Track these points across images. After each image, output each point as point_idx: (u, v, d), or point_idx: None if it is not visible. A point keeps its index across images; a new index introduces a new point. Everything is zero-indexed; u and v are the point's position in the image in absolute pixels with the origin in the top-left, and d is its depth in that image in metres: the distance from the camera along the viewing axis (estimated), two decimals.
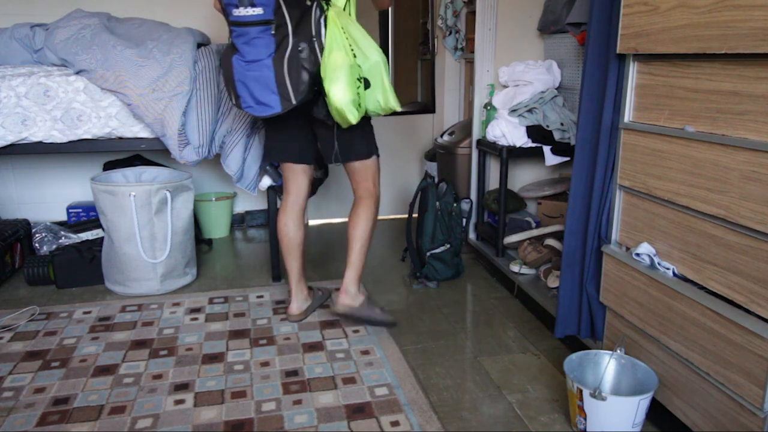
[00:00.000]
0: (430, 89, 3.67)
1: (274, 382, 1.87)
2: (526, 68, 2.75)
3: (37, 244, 2.90)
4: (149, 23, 2.76)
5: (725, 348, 1.34)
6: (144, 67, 2.41)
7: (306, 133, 2.15)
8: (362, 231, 2.17)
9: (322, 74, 1.84)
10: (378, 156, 2.22)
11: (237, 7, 1.80)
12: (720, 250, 1.35)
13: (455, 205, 2.71)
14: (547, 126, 2.65)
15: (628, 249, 1.69)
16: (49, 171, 3.28)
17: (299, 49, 1.82)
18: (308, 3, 1.84)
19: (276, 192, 2.59)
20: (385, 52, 3.50)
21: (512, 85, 2.82)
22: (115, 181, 2.65)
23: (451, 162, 3.21)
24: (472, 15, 3.19)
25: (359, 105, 1.89)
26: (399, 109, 2.01)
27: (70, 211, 3.20)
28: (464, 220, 2.78)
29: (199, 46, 2.61)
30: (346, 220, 2.28)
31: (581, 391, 1.53)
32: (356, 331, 2.20)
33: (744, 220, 1.27)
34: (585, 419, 1.54)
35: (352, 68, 1.84)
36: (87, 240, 2.83)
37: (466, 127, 3.18)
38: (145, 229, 2.47)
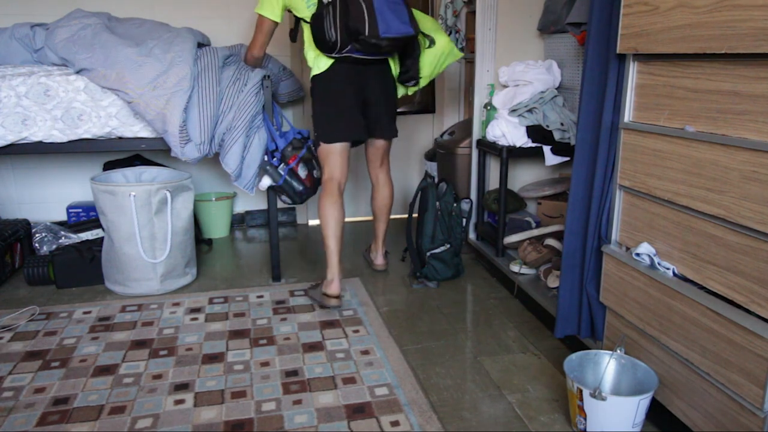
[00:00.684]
0: (431, 89, 3.67)
1: (274, 382, 1.87)
2: (526, 68, 2.75)
3: (37, 244, 2.90)
4: (149, 23, 2.77)
5: (725, 348, 1.34)
6: (144, 65, 2.41)
7: (360, 114, 2.46)
8: (390, 207, 2.75)
9: (424, 28, 2.42)
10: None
11: None
12: (720, 250, 1.35)
13: (455, 205, 2.71)
14: (547, 126, 2.65)
15: (628, 249, 1.69)
16: (49, 171, 3.28)
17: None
18: None
19: (276, 192, 2.59)
20: None
21: (512, 85, 2.82)
22: (115, 181, 2.65)
23: (451, 162, 3.21)
24: (472, 15, 3.19)
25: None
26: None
27: (70, 211, 3.20)
28: (464, 220, 2.78)
29: (199, 46, 2.61)
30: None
31: (581, 391, 1.53)
32: (356, 331, 2.20)
33: (744, 220, 1.27)
34: (585, 419, 1.54)
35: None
36: (87, 240, 2.83)
37: (466, 127, 3.18)
38: (145, 229, 2.47)
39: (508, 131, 2.68)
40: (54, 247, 2.83)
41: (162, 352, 2.06)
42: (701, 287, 1.43)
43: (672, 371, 1.53)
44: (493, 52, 2.88)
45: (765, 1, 1.16)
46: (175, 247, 2.56)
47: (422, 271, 2.70)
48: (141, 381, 1.88)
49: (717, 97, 1.33)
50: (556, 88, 2.74)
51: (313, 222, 3.69)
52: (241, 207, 3.64)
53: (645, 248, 1.59)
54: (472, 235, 3.06)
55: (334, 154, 2.43)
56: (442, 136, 3.35)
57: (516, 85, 2.78)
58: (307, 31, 2.41)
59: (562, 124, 2.64)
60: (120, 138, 2.53)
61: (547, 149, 2.68)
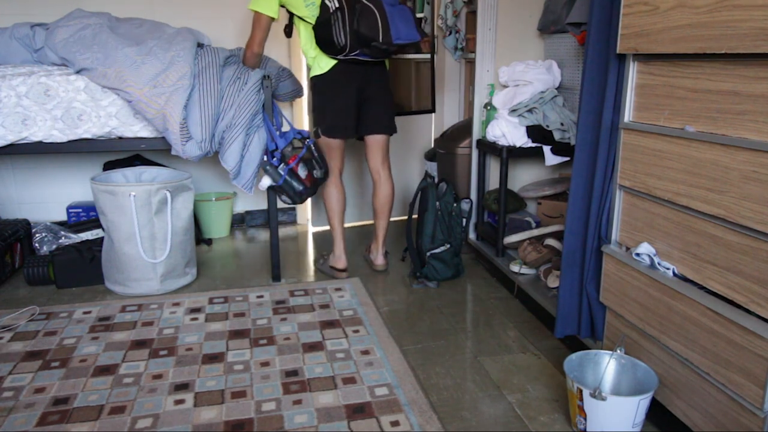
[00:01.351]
0: (431, 89, 3.67)
1: (274, 382, 1.87)
2: (526, 68, 2.75)
3: (37, 244, 2.90)
4: (149, 23, 2.76)
5: (725, 348, 1.34)
6: (144, 64, 2.41)
7: (356, 112, 2.60)
8: (391, 205, 2.82)
9: None
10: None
11: None
12: (720, 250, 1.35)
13: (455, 205, 2.71)
14: (547, 126, 2.65)
15: (628, 249, 1.69)
16: (49, 171, 3.28)
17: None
18: None
19: (276, 192, 2.59)
20: None
21: (512, 85, 2.82)
22: (115, 181, 2.65)
23: (451, 162, 3.21)
24: (472, 15, 3.19)
25: None
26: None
27: (70, 211, 3.20)
28: (464, 220, 2.78)
29: (199, 46, 2.61)
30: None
31: (581, 391, 1.53)
32: (356, 331, 2.20)
33: (744, 220, 1.27)
34: (585, 419, 1.54)
35: None
36: (87, 240, 2.83)
37: (466, 127, 3.18)
38: (145, 229, 2.47)
39: (508, 131, 2.68)
40: (54, 247, 2.83)
41: (162, 352, 2.06)
42: (701, 287, 1.43)
43: (672, 371, 1.53)
44: (493, 52, 2.89)
45: (765, 1, 1.16)
46: (175, 247, 2.56)
47: (422, 271, 2.70)
48: (141, 381, 1.88)
49: (717, 97, 1.33)
50: (556, 88, 2.74)
51: (315, 224, 3.69)
52: (241, 207, 3.64)
53: (645, 248, 1.59)
54: (472, 235, 3.06)
55: (334, 148, 2.65)
56: (442, 136, 3.35)
57: (516, 85, 2.78)
58: (305, 30, 2.45)
59: (562, 124, 2.64)
60: (120, 138, 2.53)
61: (547, 149, 2.68)
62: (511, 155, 2.69)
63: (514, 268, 2.59)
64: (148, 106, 2.40)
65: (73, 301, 2.49)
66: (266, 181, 2.54)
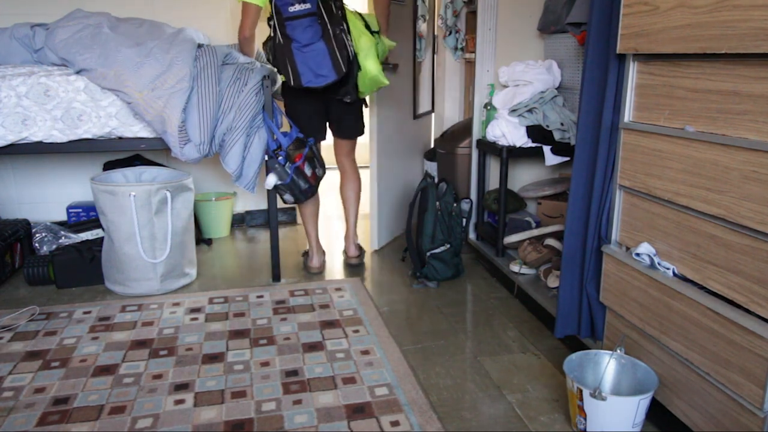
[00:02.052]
0: (431, 89, 3.67)
1: (274, 382, 1.87)
2: (526, 68, 2.75)
3: (37, 244, 2.90)
4: (149, 23, 2.76)
5: (725, 348, 1.34)
6: (144, 65, 2.41)
7: (323, 116, 2.69)
8: (357, 193, 2.90)
9: (357, 52, 2.42)
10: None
11: (292, 4, 2.29)
12: (720, 250, 1.35)
13: (455, 205, 2.71)
14: (547, 126, 2.65)
15: (628, 249, 1.69)
16: (49, 171, 3.28)
17: (338, 32, 2.31)
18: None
19: (278, 191, 2.59)
20: None
21: (512, 85, 2.82)
22: (115, 181, 2.65)
23: (451, 162, 3.21)
24: (472, 15, 3.20)
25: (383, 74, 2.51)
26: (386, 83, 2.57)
27: (70, 211, 3.20)
28: (464, 220, 2.78)
29: (199, 46, 2.61)
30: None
31: (581, 391, 1.53)
32: (356, 331, 2.21)
33: (744, 220, 1.27)
34: (585, 419, 1.54)
35: (376, 47, 2.49)
36: (87, 240, 2.83)
37: (466, 127, 3.18)
38: (145, 229, 2.47)
39: (508, 131, 2.68)
40: (54, 247, 2.83)
41: (162, 352, 2.06)
42: (701, 287, 1.43)
43: (672, 371, 1.53)
44: (493, 52, 2.89)
45: (765, 1, 1.16)
46: (175, 247, 2.56)
47: (422, 271, 2.70)
48: (141, 381, 1.88)
49: (717, 97, 1.33)
50: (556, 88, 2.74)
51: None
52: (241, 207, 3.64)
53: (645, 248, 1.59)
54: (472, 235, 3.06)
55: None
56: (442, 136, 3.35)
57: (516, 85, 2.78)
58: None
59: (562, 124, 2.64)
60: (120, 138, 2.53)
61: (547, 149, 2.68)
62: (511, 155, 2.69)
63: (514, 268, 2.59)
64: (147, 108, 2.40)
65: (73, 301, 2.50)
66: (272, 180, 2.54)
